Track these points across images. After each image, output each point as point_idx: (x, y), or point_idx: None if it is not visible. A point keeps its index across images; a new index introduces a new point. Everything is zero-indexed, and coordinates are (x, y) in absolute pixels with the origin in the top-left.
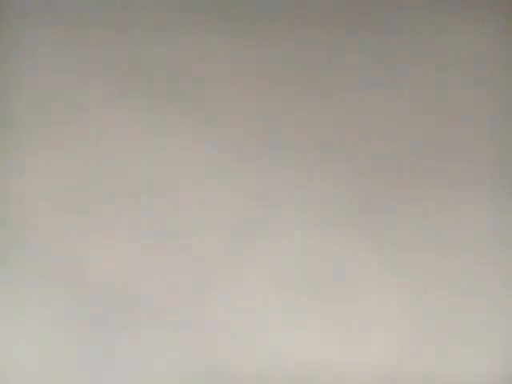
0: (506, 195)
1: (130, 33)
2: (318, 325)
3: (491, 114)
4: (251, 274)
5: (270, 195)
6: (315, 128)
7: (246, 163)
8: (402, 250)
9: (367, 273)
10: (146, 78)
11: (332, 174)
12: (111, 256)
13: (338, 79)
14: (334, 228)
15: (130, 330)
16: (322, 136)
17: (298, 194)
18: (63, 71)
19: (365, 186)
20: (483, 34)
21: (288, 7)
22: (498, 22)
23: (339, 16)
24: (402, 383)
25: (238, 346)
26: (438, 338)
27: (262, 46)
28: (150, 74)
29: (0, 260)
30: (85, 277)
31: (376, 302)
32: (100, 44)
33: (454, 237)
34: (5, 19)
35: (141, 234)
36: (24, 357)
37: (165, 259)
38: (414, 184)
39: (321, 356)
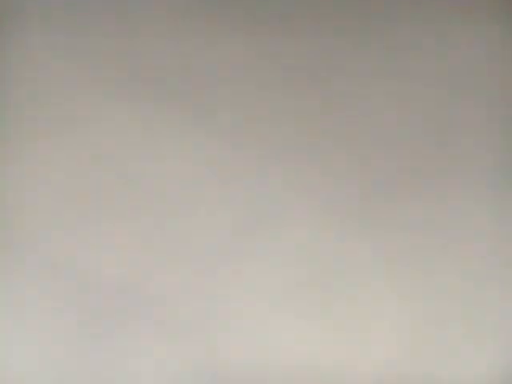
0: (507, 195)
1: (130, 33)
2: (318, 324)
3: (491, 114)
4: (251, 273)
5: (270, 195)
6: (315, 128)
7: (246, 163)
8: (402, 250)
9: (367, 273)
10: (145, 79)
11: (332, 174)
12: (111, 256)
13: (338, 79)
14: (334, 227)
15: (130, 330)
16: (322, 136)
17: (298, 194)
18: (63, 72)
19: (365, 185)
20: (483, 34)
21: (288, 8)
22: (498, 22)
23: (339, 17)
24: (402, 383)
25: (238, 345)
26: (438, 338)
27: (262, 46)
28: (149, 75)
29: (0, 260)
30: (85, 277)
31: (376, 302)
32: (100, 45)
33: (455, 236)
34: (5, 20)
35: (141, 233)
36: (24, 357)
37: (165, 259)
38: (414, 184)
39: (321, 356)
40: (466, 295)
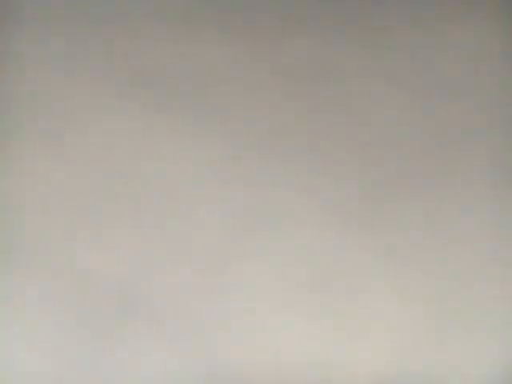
0: (507, 196)
1: (131, 35)
2: (318, 325)
3: (491, 114)
4: (251, 273)
5: (271, 196)
6: (315, 128)
7: (246, 164)
8: (402, 250)
9: (367, 273)
10: (146, 79)
11: (332, 174)
12: (111, 256)
13: (338, 80)
14: (334, 227)
15: (130, 330)
16: (322, 136)
17: (298, 195)
18: (63, 72)
19: (365, 185)
20: (483, 34)
21: (288, 8)
22: (498, 22)
23: (339, 17)
24: (402, 383)
25: (238, 346)
26: (437, 337)
27: (262, 46)
28: (150, 75)
29: (0, 260)
30: (85, 276)
31: (376, 302)
32: (100, 46)
33: (455, 237)
34: (5, 20)
35: (141, 233)
36: (24, 357)
37: (165, 259)
38: (414, 184)
39: (321, 356)
40: (466, 295)
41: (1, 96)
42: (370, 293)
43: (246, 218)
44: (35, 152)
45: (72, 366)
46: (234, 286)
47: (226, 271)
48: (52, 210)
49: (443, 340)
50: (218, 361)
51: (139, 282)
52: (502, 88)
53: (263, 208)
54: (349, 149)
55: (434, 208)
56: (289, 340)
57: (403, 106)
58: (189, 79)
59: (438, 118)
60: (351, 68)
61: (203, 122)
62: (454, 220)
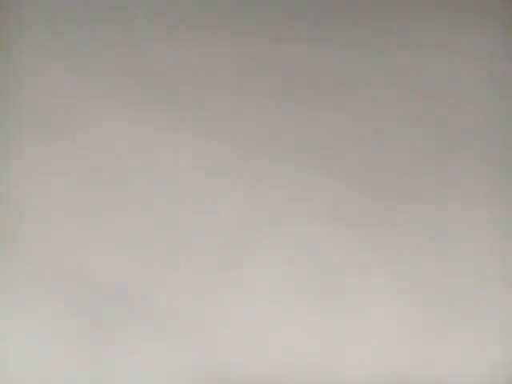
0: (507, 197)
1: (131, 36)
2: (318, 325)
3: (491, 115)
4: (251, 274)
5: (271, 196)
6: (315, 129)
7: (246, 164)
8: (402, 251)
9: (368, 274)
10: (146, 80)
11: (332, 176)
12: (111, 256)
13: (338, 81)
14: (334, 229)
15: (130, 330)
16: (322, 137)
17: (297, 195)
18: (63, 73)
19: (365, 188)
20: (483, 34)
21: (288, 10)
22: (498, 22)
23: (339, 18)
24: (403, 383)
25: (238, 346)
26: (438, 338)
27: (262, 47)
28: (149, 76)
29: (0, 260)
30: (85, 277)
31: (376, 302)
32: (100, 47)
33: (455, 237)
34: (5, 20)
35: (141, 233)
36: (24, 356)
37: (165, 260)
38: (414, 184)
39: (321, 356)
40: (466, 296)
41: (1, 96)
42: (370, 293)
43: (246, 218)
44: (35, 152)
45: (72, 365)
46: (234, 285)
47: (226, 271)
48: (52, 209)
49: (443, 340)
50: (217, 361)
51: (139, 281)
52: (502, 88)
53: (263, 208)
54: (349, 149)
55: (434, 208)
56: (288, 340)
57: (403, 106)
58: (189, 79)
59: (438, 118)
60: (351, 68)
61: (203, 121)
62: (454, 220)
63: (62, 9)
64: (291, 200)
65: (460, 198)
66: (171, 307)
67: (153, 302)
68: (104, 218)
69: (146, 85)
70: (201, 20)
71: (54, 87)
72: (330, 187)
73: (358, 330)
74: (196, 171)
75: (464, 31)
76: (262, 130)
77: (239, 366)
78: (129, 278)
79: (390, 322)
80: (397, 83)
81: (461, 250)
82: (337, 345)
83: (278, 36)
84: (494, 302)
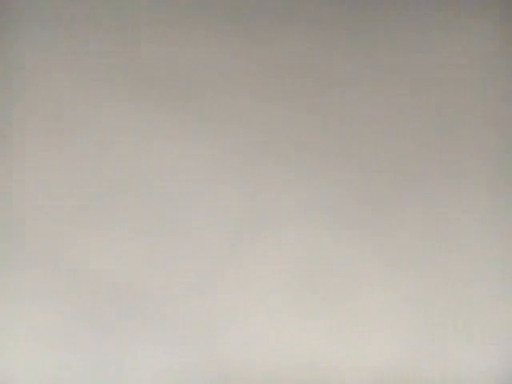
0: (507, 195)
1: (131, 35)
2: (318, 324)
3: (491, 115)
4: (251, 274)
5: (271, 195)
6: (315, 129)
7: (246, 163)
8: (402, 249)
9: (368, 273)
10: (146, 79)
11: (332, 175)
12: (111, 256)
13: (338, 80)
14: (334, 228)
15: (130, 330)
16: (322, 137)
17: (298, 195)
18: (63, 72)
19: (365, 186)
20: (483, 34)
21: (288, 9)
22: (498, 22)
23: (339, 18)
24: (402, 383)
25: (238, 346)
26: (438, 338)
27: (262, 47)
28: (150, 75)
29: (0, 260)
30: (85, 277)
31: (377, 302)
32: (100, 46)
33: (455, 237)
34: (5, 20)
35: (141, 233)
36: (24, 356)
37: (165, 259)
38: (413, 185)
39: (321, 356)
40: (465, 295)
41: (1, 96)
42: (370, 293)
43: (246, 219)
44: (36, 152)
45: (72, 365)
46: (234, 285)
47: (227, 271)
48: (52, 209)
49: (443, 340)
50: (218, 361)
51: (139, 281)
52: (502, 88)
53: (263, 208)
54: (348, 149)
55: (433, 208)
56: (288, 340)
57: (403, 106)
58: (189, 79)
59: (437, 119)
60: (351, 68)
61: (203, 121)
62: (454, 220)
63: (62, 8)
64: (291, 200)
65: (460, 199)
66: (171, 307)
67: (153, 303)
68: (104, 218)
69: (146, 84)
70: (201, 20)
71: (54, 87)
72: (330, 187)
73: (358, 330)
74: (196, 171)
75: (464, 31)
76: (263, 129)
77: (239, 366)
78: (129, 277)
79: (390, 322)
80: (397, 83)
81: (461, 250)
82: (337, 344)
83: (278, 36)
84: (494, 302)
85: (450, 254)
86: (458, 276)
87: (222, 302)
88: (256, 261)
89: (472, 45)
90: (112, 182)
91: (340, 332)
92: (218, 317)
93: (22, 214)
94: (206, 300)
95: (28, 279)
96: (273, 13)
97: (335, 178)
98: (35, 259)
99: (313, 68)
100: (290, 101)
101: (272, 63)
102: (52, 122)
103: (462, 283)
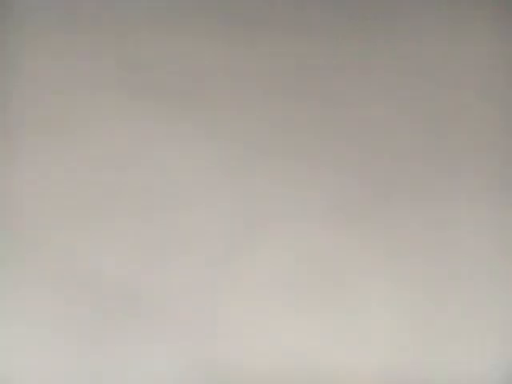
0: (506, 196)
1: (131, 35)
2: (317, 325)
3: (491, 115)
4: (252, 274)
5: (271, 196)
6: (315, 129)
7: (246, 164)
8: (402, 249)
9: (367, 273)
10: (146, 81)
11: (332, 176)
12: (111, 256)
13: (338, 80)
14: (334, 229)
15: (130, 330)
16: (322, 137)
17: (297, 196)
18: (63, 73)
19: (365, 188)
20: (483, 34)
21: (289, 8)
22: (498, 22)
23: (339, 18)
24: (402, 383)
25: (238, 345)
26: (437, 338)
27: (262, 48)
28: (150, 76)
29: (0, 260)
30: (85, 277)
31: (376, 302)
32: (100, 45)
33: (454, 237)
34: (5, 20)
35: (141, 233)
36: (24, 357)
37: (165, 259)
38: (413, 185)
39: (321, 356)
40: (465, 296)
41: (1, 96)
42: (370, 293)
43: (246, 218)
44: (35, 152)
45: (72, 365)
46: (234, 286)
47: (227, 271)
48: (52, 209)
49: (443, 340)
50: (217, 361)
51: (139, 281)
52: (503, 89)
53: (263, 208)
54: (349, 149)
55: (433, 208)
56: (289, 340)
57: (403, 106)
58: (189, 79)
59: (438, 119)
60: (352, 67)
61: (203, 121)
62: (454, 220)
63: (63, 8)
64: (291, 200)
65: (460, 198)
66: (171, 307)
67: (153, 303)
68: (104, 218)
69: (146, 85)
70: (201, 20)
71: (55, 87)
72: (330, 187)
73: (358, 330)
74: (196, 171)
75: (464, 31)
76: (262, 130)
77: (239, 366)
78: (129, 277)
79: (391, 322)
80: (397, 83)
81: (461, 249)
82: (337, 344)
83: (279, 36)
84: (494, 302)
85: (450, 253)
86: (458, 276)
87: (222, 302)
88: (256, 261)
89: (472, 45)
90: (112, 182)
91: (340, 332)
92: (218, 317)
93: (22, 214)
94: (206, 300)
95: (28, 281)
96: (273, 13)
97: (335, 178)
98: (35, 259)
99: (312, 69)
100: (290, 101)
101: (272, 64)
102: (52, 122)
103: (462, 283)
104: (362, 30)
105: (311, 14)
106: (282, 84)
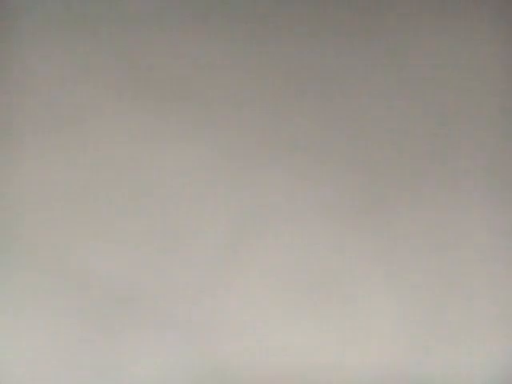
0: (507, 196)
1: (131, 35)
2: (317, 325)
3: (491, 115)
4: (251, 274)
5: (270, 196)
6: (315, 130)
7: (245, 164)
8: (401, 250)
9: (367, 273)
10: (146, 81)
11: (332, 176)
12: (111, 257)
13: (337, 80)
14: (334, 228)
15: (130, 330)
16: (321, 137)
17: (297, 196)
18: (63, 73)
19: (364, 187)
20: (483, 34)
21: (289, 9)
22: (498, 22)
23: (340, 18)
24: (402, 383)
25: (238, 345)
26: (437, 338)
27: (262, 48)
28: (149, 76)
29: (0, 260)
30: (85, 277)
31: (376, 302)
32: (100, 47)
33: (455, 237)
34: (4, 20)
35: (141, 233)
36: (24, 356)
37: (165, 259)
38: (414, 185)
39: (321, 356)
40: (465, 295)
41: (1, 96)
42: (370, 293)
43: (246, 219)
44: (36, 152)
45: (71, 365)
46: (234, 286)
47: (227, 271)
48: (52, 210)
49: (443, 340)
50: (218, 361)
51: (139, 281)
52: (502, 89)
53: (263, 209)
54: (349, 149)
55: (433, 209)
56: (289, 340)
57: (403, 106)
58: (189, 79)
59: (438, 119)
60: (352, 68)
61: (203, 122)
62: (454, 220)
63: (62, 8)
64: (291, 200)
65: (460, 200)
66: (171, 308)
67: (153, 303)
68: (104, 218)
69: (146, 85)
70: (201, 19)
71: (54, 87)
72: (330, 187)
73: (358, 330)
74: (196, 172)
75: (464, 31)
76: (262, 130)
77: (239, 366)
78: (129, 278)
79: (390, 322)
80: (397, 83)
81: (461, 250)
82: (337, 344)
83: (279, 36)
84: (494, 302)
85: (450, 254)
86: (458, 276)
87: (222, 303)
88: (256, 261)
89: (472, 45)
90: (112, 182)
91: (340, 332)
92: (218, 317)
93: (21, 214)
94: (206, 301)
95: (28, 280)
96: (273, 13)
97: (335, 179)
98: (35, 260)
99: (313, 69)
100: (290, 101)
101: (272, 64)
102: (52, 122)
103: (463, 283)
104: (363, 29)
105: (311, 14)
106: (283, 84)
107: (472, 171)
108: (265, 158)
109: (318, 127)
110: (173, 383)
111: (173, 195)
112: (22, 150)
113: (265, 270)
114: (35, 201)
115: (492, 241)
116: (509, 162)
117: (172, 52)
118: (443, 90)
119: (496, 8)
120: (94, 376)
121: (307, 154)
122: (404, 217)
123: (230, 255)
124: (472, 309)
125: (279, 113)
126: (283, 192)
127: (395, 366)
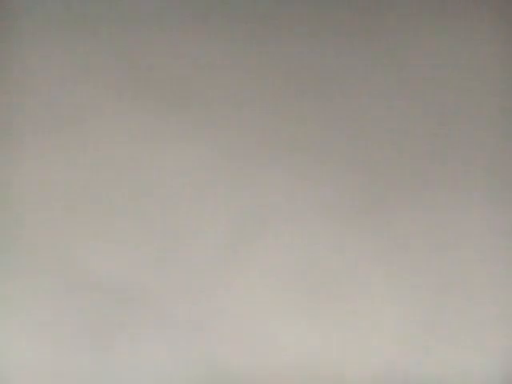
0: (506, 196)
1: (131, 35)
2: (318, 324)
3: (491, 115)
4: (251, 274)
5: (270, 196)
6: (315, 130)
7: (245, 164)
8: (402, 250)
9: (367, 273)
10: (146, 81)
11: (332, 176)
12: (111, 256)
13: (337, 81)
14: (334, 228)
15: (130, 330)
16: (321, 137)
17: (297, 196)
18: (63, 73)
19: (365, 187)
20: (483, 34)
21: (289, 9)
22: (498, 22)
23: (340, 18)
24: (402, 383)
25: (238, 345)
26: (437, 338)
27: (262, 48)
28: (149, 77)
29: (0, 260)
30: (85, 277)
31: (376, 302)
32: (100, 47)
33: (455, 237)
34: (4, 20)
35: (141, 233)
36: (24, 356)
37: (165, 259)
38: (414, 185)
39: (321, 356)
40: (466, 295)
41: (1, 96)
42: (370, 293)
43: (247, 219)
44: (36, 152)
45: (72, 365)
46: (233, 286)
47: (226, 271)
48: (52, 210)
49: (443, 340)
50: (218, 361)
51: (139, 281)
52: (502, 89)
53: (263, 209)
54: (349, 149)
55: (433, 209)
56: (289, 340)
57: (403, 106)
58: (189, 80)
59: (438, 119)
60: (352, 68)
61: (203, 122)
62: (454, 220)
63: (62, 8)
64: (291, 200)
65: (460, 200)
66: (171, 308)
67: (153, 303)
68: (104, 218)
69: (146, 85)
70: (201, 19)
71: (54, 87)
72: (330, 187)
73: (359, 330)
74: (196, 172)
75: (464, 31)
76: (262, 130)
77: (239, 366)
78: (129, 278)
79: (390, 322)
80: (397, 83)
81: (461, 250)
82: (337, 344)
83: (279, 36)
84: (494, 302)
85: (450, 254)
86: (458, 276)
87: (222, 303)
88: (256, 262)
89: (472, 45)
90: (112, 182)
91: (340, 332)
92: (218, 317)
93: (22, 214)
94: (206, 300)
95: (28, 280)
96: (273, 13)
97: (335, 179)
98: (35, 260)
99: (313, 69)
100: (290, 101)
101: (272, 64)
102: (52, 122)
103: (462, 283)
104: (363, 29)
105: (311, 14)
106: (283, 84)
107: (472, 171)
108: (265, 158)
109: (318, 127)
110: (173, 383)
111: (173, 195)
112: (22, 150)
113: (265, 269)
114: (35, 201)
115: (492, 241)
116: (509, 161)
117: (172, 52)
118: (443, 89)
119: (496, 8)
120: (94, 376)
121: (307, 154)
122: (404, 217)
123: (230, 255)
124: (472, 309)
125: (279, 113)
126: (283, 192)
127: (395, 366)
